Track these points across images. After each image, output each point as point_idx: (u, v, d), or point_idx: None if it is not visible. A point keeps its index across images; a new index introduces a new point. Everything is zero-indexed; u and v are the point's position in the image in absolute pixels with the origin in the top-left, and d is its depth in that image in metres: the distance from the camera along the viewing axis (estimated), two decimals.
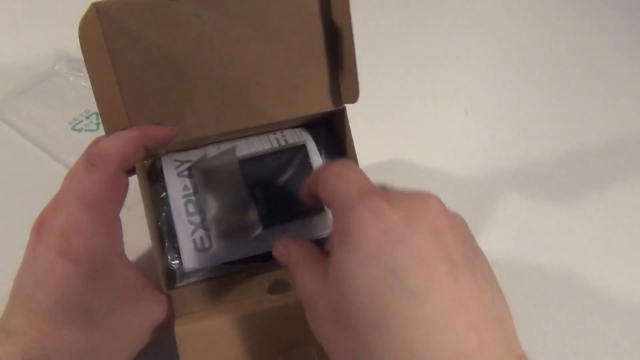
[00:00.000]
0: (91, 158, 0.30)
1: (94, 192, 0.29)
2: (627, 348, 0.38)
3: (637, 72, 0.58)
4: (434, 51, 0.59)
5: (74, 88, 0.52)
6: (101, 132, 0.49)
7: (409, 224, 0.23)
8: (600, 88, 0.56)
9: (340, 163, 0.28)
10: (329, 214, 0.33)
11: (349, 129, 0.35)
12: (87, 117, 0.51)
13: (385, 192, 0.25)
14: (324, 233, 0.33)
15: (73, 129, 0.50)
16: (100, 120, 0.50)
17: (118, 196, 0.30)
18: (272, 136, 0.34)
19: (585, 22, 0.63)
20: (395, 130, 0.51)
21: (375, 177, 0.47)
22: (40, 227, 0.30)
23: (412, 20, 0.62)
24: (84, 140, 0.49)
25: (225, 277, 0.33)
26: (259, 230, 0.32)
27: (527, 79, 0.57)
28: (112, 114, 0.32)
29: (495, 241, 0.44)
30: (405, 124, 0.52)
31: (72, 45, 0.54)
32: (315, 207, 0.32)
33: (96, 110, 0.51)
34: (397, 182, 0.47)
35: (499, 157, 0.50)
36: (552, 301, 0.40)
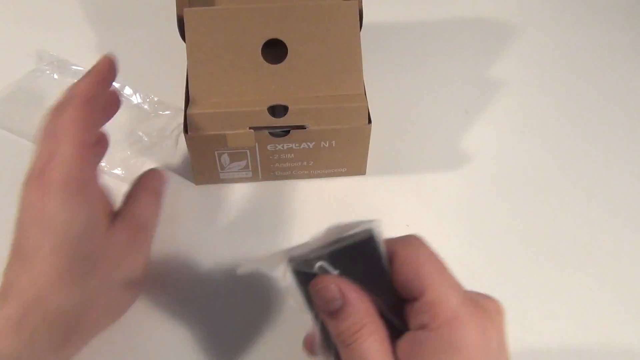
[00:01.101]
0: (59, 102, 0.34)
1: (67, 126, 0.32)
2: None
3: (638, 73, 0.58)
4: (434, 51, 0.59)
5: (62, 85, 0.52)
6: None
7: (500, 346, 0.26)
8: (602, 88, 0.56)
9: (426, 248, 0.27)
10: None
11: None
12: None
13: (478, 302, 0.27)
14: None
15: None
16: None
17: (91, 125, 0.33)
18: None
19: (586, 20, 0.63)
20: (395, 130, 0.51)
21: (375, 177, 0.47)
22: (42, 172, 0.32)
23: (412, 19, 0.62)
24: None
25: None
26: None
27: (528, 78, 0.56)
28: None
29: (495, 241, 0.44)
30: (405, 124, 0.52)
31: (53, 44, 0.55)
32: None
33: None
34: (398, 182, 0.47)
35: (499, 157, 0.49)
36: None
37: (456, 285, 0.26)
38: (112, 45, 0.57)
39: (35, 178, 0.31)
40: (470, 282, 0.30)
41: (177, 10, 0.43)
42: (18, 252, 0.31)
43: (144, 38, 0.58)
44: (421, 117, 0.52)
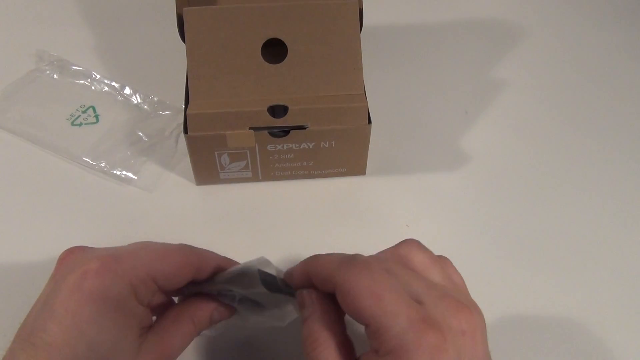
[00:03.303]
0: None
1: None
2: None
3: (638, 73, 0.58)
4: (434, 51, 0.59)
5: (62, 85, 0.53)
6: (101, 125, 0.50)
7: None
8: (602, 88, 0.56)
9: (357, 275, 0.26)
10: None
11: None
12: (84, 111, 0.51)
13: (436, 322, 0.25)
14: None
15: (73, 124, 0.50)
16: (98, 113, 0.51)
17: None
18: None
19: (586, 21, 0.63)
20: (395, 130, 0.51)
21: (375, 177, 0.47)
22: (64, 259, 0.30)
23: (412, 20, 0.62)
24: (86, 134, 0.49)
25: None
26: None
27: (527, 79, 0.56)
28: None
29: (494, 241, 0.44)
30: (405, 124, 0.52)
31: (53, 44, 0.55)
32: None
33: (91, 104, 0.51)
34: (398, 182, 0.47)
35: (499, 157, 0.49)
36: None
37: (401, 310, 0.25)
38: (112, 46, 0.58)
39: (81, 272, 0.28)
40: (470, 281, 0.30)
41: (176, 9, 0.43)
42: (29, 337, 0.27)
43: (144, 38, 0.58)
44: (421, 117, 0.52)
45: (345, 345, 0.27)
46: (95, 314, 0.27)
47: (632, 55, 0.59)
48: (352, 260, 0.27)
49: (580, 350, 0.38)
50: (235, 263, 0.34)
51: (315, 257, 0.29)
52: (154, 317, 0.32)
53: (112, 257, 0.28)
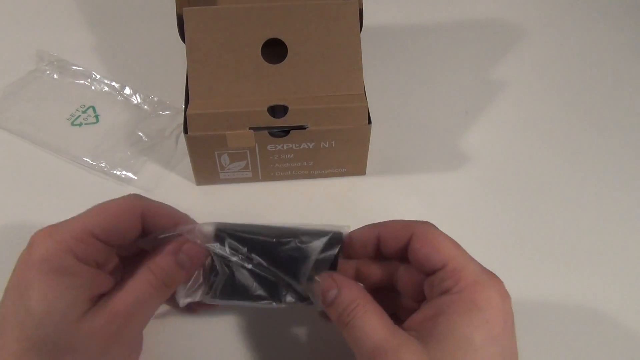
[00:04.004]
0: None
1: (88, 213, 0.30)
2: None
3: (638, 73, 0.58)
4: (434, 51, 0.59)
5: (62, 85, 0.53)
6: (101, 125, 0.50)
7: (512, 312, 0.28)
8: (602, 88, 0.56)
9: (433, 228, 0.31)
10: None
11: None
12: (84, 111, 0.51)
13: (492, 273, 0.29)
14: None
15: (73, 124, 0.50)
16: (98, 113, 0.51)
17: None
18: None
19: (586, 21, 0.63)
20: (395, 130, 0.51)
21: (375, 177, 0.47)
22: (32, 243, 0.30)
23: (412, 20, 0.62)
24: (86, 134, 0.49)
25: None
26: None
27: (527, 79, 0.56)
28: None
29: (495, 241, 0.44)
30: (405, 124, 0.52)
31: (53, 44, 0.55)
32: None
33: (91, 104, 0.51)
34: (398, 182, 0.47)
35: (499, 157, 0.49)
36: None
37: (472, 258, 0.29)
38: (112, 45, 0.58)
39: (29, 245, 0.29)
40: None
41: (176, 9, 0.43)
42: None
43: (144, 38, 0.58)
44: (421, 117, 0.52)
45: (381, 311, 0.29)
46: (37, 282, 0.27)
47: (633, 54, 0.59)
48: (426, 222, 0.31)
49: (584, 350, 0.38)
50: (192, 221, 0.33)
51: (383, 222, 0.32)
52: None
53: (53, 225, 0.29)
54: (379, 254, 0.33)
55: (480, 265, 0.29)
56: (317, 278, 0.31)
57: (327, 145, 0.43)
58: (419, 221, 0.31)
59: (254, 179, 0.46)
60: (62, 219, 0.43)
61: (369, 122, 0.42)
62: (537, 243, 0.44)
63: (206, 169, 0.45)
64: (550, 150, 0.50)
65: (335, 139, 0.43)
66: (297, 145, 0.43)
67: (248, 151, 0.43)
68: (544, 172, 0.48)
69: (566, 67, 0.58)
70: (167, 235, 0.31)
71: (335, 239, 0.32)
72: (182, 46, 0.42)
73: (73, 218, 0.30)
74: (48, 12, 0.61)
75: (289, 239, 0.32)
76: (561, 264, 0.42)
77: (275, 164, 0.45)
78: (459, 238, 0.44)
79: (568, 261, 0.43)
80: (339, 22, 0.41)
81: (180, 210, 0.44)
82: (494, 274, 0.29)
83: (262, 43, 0.41)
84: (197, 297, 0.32)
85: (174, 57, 0.48)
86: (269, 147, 0.43)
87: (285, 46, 0.41)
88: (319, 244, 0.32)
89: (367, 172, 0.47)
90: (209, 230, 0.32)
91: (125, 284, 0.29)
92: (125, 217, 0.30)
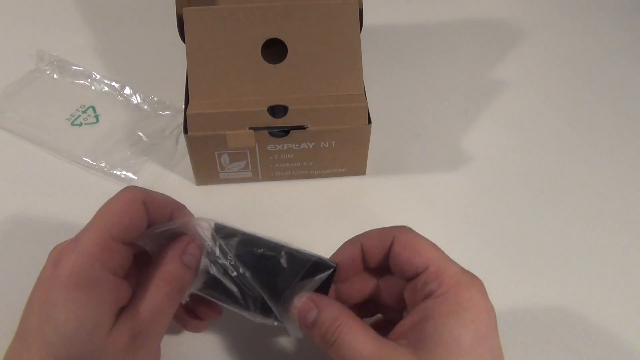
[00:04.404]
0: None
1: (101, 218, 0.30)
2: None
3: (638, 73, 0.58)
4: (434, 51, 0.59)
5: (62, 85, 0.53)
6: (101, 125, 0.50)
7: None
8: (602, 88, 0.56)
9: (412, 232, 0.31)
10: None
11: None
12: (84, 112, 0.51)
13: (471, 273, 0.29)
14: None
15: (73, 124, 0.50)
16: (98, 113, 0.51)
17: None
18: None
19: (586, 21, 0.63)
20: (395, 130, 0.51)
21: (375, 177, 0.47)
22: (57, 260, 0.29)
23: (412, 20, 0.62)
24: (86, 134, 0.49)
25: None
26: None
27: (527, 78, 0.56)
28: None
29: (495, 241, 0.44)
30: (405, 124, 0.52)
31: (53, 44, 0.55)
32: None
33: (91, 104, 0.51)
34: (398, 182, 0.47)
35: (499, 157, 0.49)
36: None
37: (452, 260, 0.29)
38: (112, 45, 0.58)
39: (52, 261, 0.28)
40: None
41: (176, 9, 0.43)
42: (21, 332, 0.28)
43: (144, 38, 0.58)
44: (421, 117, 0.52)
45: (366, 325, 0.28)
46: (65, 299, 0.27)
47: (632, 55, 0.59)
48: (405, 226, 0.31)
49: (585, 351, 0.38)
50: (189, 212, 0.34)
51: (363, 233, 0.32)
52: None
53: (72, 240, 0.29)
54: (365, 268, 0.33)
55: (460, 266, 0.29)
56: (294, 302, 0.30)
57: (327, 145, 0.43)
58: (398, 226, 0.31)
59: (254, 179, 0.46)
60: (62, 220, 0.44)
61: (369, 122, 0.42)
62: (537, 243, 0.44)
63: (206, 169, 0.45)
64: (550, 150, 0.50)
65: (335, 139, 0.43)
66: (297, 145, 0.43)
67: (248, 151, 0.43)
68: (544, 171, 0.48)
69: (566, 67, 0.58)
70: (163, 229, 0.31)
71: (324, 266, 0.31)
72: (182, 46, 0.42)
73: (88, 228, 0.29)
74: (48, 12, 0.61)
75: (277, 255, 0.31)
76: (561, 264, 0.42)
77: (275, 164, 0.45)
78: (459, 238, 0.44)
79: (568, 261, 0.43)
80: (339, 22, 0.41)
81: None
82: (474, 274, 0.29)
83: (262, 43, 0.41)
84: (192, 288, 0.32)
85: (174, 57, 0.48)
86: (269, 147, 0.43)
87: (285, 46, 0.41)
88: (304, 267, 0.31)
89: (367, 172, 0.47)
90: (205, 226, 0.32)
91: (143, 297, 0.29)
92: (133, 209, 0.30)
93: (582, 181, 0.48)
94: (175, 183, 0.47)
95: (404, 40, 0.60)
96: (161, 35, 0.55)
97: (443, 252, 0.30)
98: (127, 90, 0.52)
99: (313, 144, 0.43)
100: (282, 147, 0.43)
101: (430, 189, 0.47)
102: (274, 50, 0.41)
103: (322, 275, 0.31)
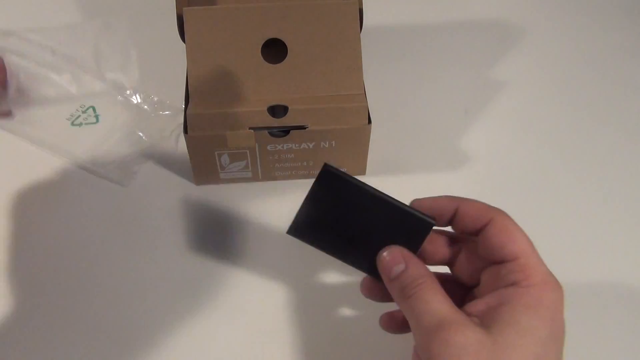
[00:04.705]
0: None
1: None
2: None
3: (638, 73, 0.58)
4: (434, 51, 0.59)
5: (61, 86, 0.52)
6: (101, 125, 0.50)
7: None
8: (602, 88, 0.56)
9: (511, 219, 0.31)
10: None
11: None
12: (84, 111, 0.51)
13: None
14: None
15: (73, 124, 0.50)
16: (98, 113, 0.51)
17: None
18: None
19: (586, 21, 0.63)
20: (395, 130, 0.51)
21: (375, 177, 0.47)
22: None
23: (412, 20, 0.62)
24: (86, 134, 0.49)
25: None
26: None
27: (527, 78, 0.56)
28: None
29: None
30: (405, 124, 0.52)
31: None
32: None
33: (91, 104, 0.51)
34: (398, 182, 0.47)
35: (499, 157, 0.49)
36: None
37: (542, 259, 0.30)
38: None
39: None
40: None
41: (176, 9, 0.43)
42: None
43: (144, 38, 0.58)
44: (421, 117, 0.52)
45: (445, 293, 0.29)
46: None
47: (633, 54, 0.59)
48: (500, 210, 0.31)
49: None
50: None
51: (464, 198, 0.32)
52: None
53: None
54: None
55: (548, 268, 0.29)
56: (384, 252, 0.31)
57: (327, 145, 0.43)
58: (498, 209, 0.31)
59: (254, 179, 0.46)
60: (62, 219, 0.44)
61: (369, 122, 0.42)
62: (537, 243, 0.44)
63: (206, 169, 0.45)
64: (550, 149, 0.50)
65: (335, 139, 0.43)
66: (297, 145, 0.43)
67: (248, 151, 0.43)
68: (544, 171, 0.48)
69: (566, 67, 0.58)
70: None
71: (421, 222, 0.32)
72: (182, 46, 0.42)
73: None
74: (48, 12, 0.61)
75: (389, 203, 0.32)
76: (561, 264, 0.42)
77: (275, 164, 0.45)
78: None
79: (568, 261, 0.43)
80: (339, 22, 0.41)
81: (180, 210, 0.45)
82: (558, 281, 0.29)
83: (262, 43, 0.41)
84: None
85: (174, 57, 0.48)
86: (269, 147, 0.43)
87: (285, 46, 0.41)
88: (400, 218, 0.32)
89: (367, 172, 0.47)
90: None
91: None
92: None
93: (583, 181, 0.48)
94: (175, 183, 0.47)
95: (404, 40, 0.60)
96: (161, 35, 0.55)
97: (535, 249, 0.30)
98: (127, 90, 0.52)
99: (313, 144, 0.43)
100: (282, 147, 0.43)
101: (430, 189, 0.47)
102: (274, 50, 0.41)
103: (421, 235, 0.31)
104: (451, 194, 0.33)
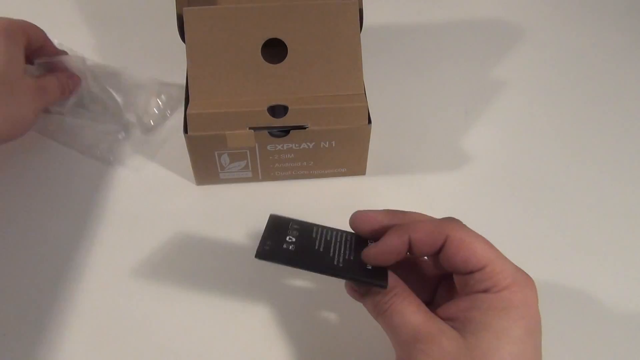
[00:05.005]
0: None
1: None
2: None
3: (638, 73, 0.58)
4: (434, 51, 0.59)
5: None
6: (100, 120, 0.50)
7: None
8: (602, 88, 0.56)
9: (465, 228, 0.31)
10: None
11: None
12: (83, 108, 0.50)
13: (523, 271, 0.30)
14: None
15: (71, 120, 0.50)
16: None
17: None
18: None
19: (586, 21, 0.63)
20: (395, 130, 0.51)
21: (375, 177, 0.47)
22: None
23: (412, 20, 0.62)
24: (85, 130, 0.49)
25: None
26: None
27: (527, 79, 0.57)
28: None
29: (495, 241, 0.43)
30: (405, 124, 0.52)
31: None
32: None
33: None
34: (398, 182, 0.47)
35: (499, 157, 0.49)
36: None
37: (506, 258, 0.30)
38: (112, 45, 0.58)
39: None
40: None
41: (176, 9, 0.43)
42: None
43: (144, 38, 0.58)
44: (421, 117, 0.52)
45: (418, 300, 0.30)
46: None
47: (633, 55, 0.59)
48: (455, 219, 0.32)
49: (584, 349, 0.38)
50: (63, 52, 0.49)
51: (412, 222, 0.32)
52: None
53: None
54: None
55: (514, 265, 0.30)
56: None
57: (327, 145, 0.43)
58: (448, 220, 0.31)
59: (254, 179, 0.46)
60: (60, 218, 0.44)
61: (369, 122, 0.42)
62: (537, 243, 0.44)
63: (206, 169, 0.45)
64: (550, 149, 0.50)
65: (335, 139, 0.43)
66: (297, 145, 0.43)
67: (248, 151, 0.43)
68: (544, 171, 0.48)
69: (566, 67, 0.58)
70: (45, 61, 0.46)
71: (375, 283, 0.31)
72: (182, 46, 0.42)
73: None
74: (48, 12, 0.61)
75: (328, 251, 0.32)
76: (561, 264, 0.42)
77: (275, 164, 0.45)
78: None
79: (568, 261, 0.43)
80: (339, 22, 0.41)
81: (180, 210, 0.45)
82: (527, 274, 0.30)
83: (262, 43, 0.41)
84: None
85: (174, 57, 0.48)
86: (269, 147, 0.43)
87: (285, 46, 0.41)
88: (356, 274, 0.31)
89: (367, 172, 0.47)
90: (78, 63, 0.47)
91: (49, 76, 0.46)
92: (34, 30, 0.46)
93: (583, 181, 0.48)
94: (175, 183, 0.47)
95: (404, 40, 0.60)
96: (161, 35, 0.55)
97: (497, 250, 0.30)
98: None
99: (313, 144, 0.43)
100: (282, 147, 0.43)
101: (430, 189, 0.47)
102: (274, 50, 0.41)
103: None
104: (393, 208, 0.33)
